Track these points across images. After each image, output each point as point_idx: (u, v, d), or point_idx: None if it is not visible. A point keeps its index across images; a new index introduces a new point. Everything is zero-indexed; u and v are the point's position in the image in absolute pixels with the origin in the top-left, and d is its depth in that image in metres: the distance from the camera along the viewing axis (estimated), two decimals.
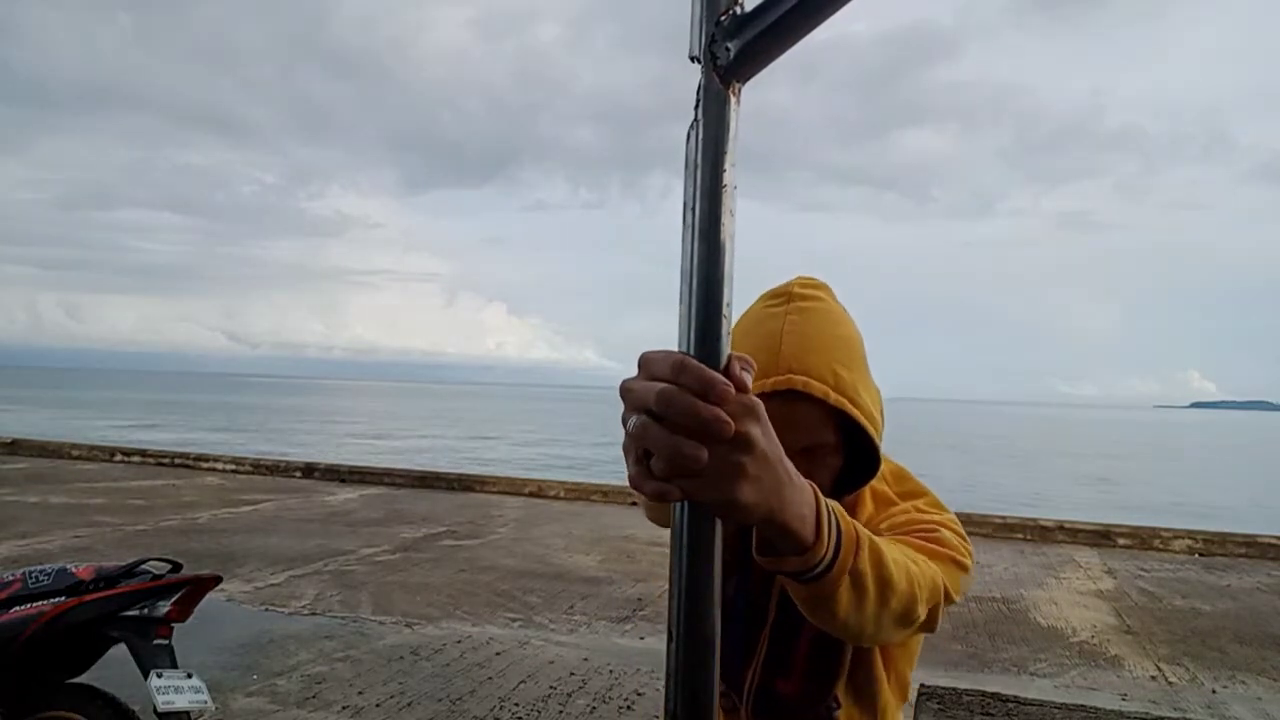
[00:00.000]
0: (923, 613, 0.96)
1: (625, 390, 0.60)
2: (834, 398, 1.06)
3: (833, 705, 1.13)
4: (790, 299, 1.11)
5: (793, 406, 1.05)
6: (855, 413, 1.07)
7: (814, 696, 1.13)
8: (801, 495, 0.72)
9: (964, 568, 1.05)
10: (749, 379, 0.59)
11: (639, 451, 0.59)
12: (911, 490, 1.19)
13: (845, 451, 1.12)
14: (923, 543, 1.04)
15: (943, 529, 1.08)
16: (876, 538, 0.90)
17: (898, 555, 0.93)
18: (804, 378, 1.05)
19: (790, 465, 0.68)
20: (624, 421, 0.60)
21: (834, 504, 0.81)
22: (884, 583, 0.87)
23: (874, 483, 1.17)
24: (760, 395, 1.06)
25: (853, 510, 1.16)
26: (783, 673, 1.14)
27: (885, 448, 1.15)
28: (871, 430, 1.09)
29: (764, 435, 0.61)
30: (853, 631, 0.90)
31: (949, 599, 1.01)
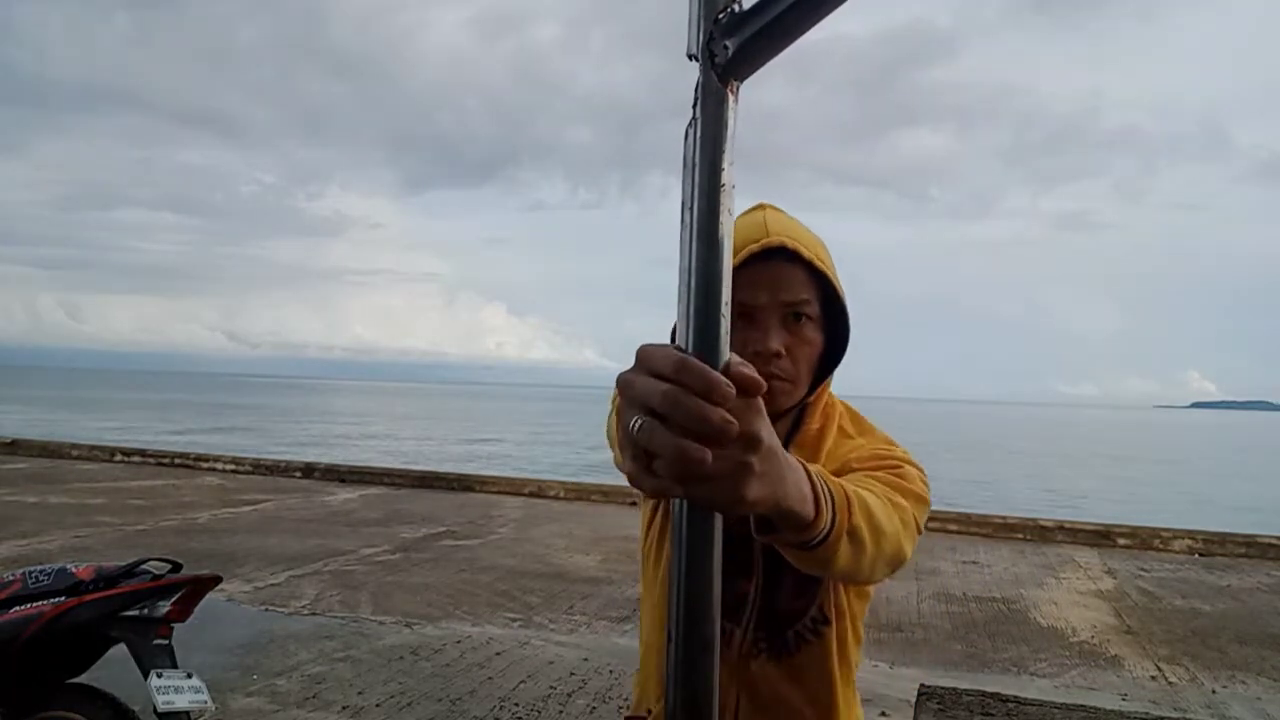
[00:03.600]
0: (909, 550, 1.02)
1: (624, 384, 0.58)
2: (817, 262, 1.15)
3: (819, 619, 1.18)
4: (764, 207, 1.21)
5: (778, 265, 1.14)
6: (834, 278, 1.17)
7: (804, 605, 1.18)
8: (798, 475, 0.74)
9: (926, 502, 1.12)
10: (748, 373, 0.58)
11: (636, 450, 0.57)
12: (866, 429, 1.26)
13: (823, 331, 1.20)
14: (892, 478, 1.10)
15: (905, 465, 1.14)
16: (858, 488, 0.95)
17: (881, 500, 0.99)
18: (791, 239, 1.14)
19: (784, 452, 0.68)
20: (620, 415, 0.59)
21: (819, 468, 0.85)
22: (877, 530, 0.93)
23: (835, 415, 1.25)
24: (747, 259, 1.12)
25: (818, 441, 1.22)
26: (776, 583, 1.18)
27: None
28: (844, 300, 1.18)
29: (767, 430, 0.61)
30: (849, 578, 0.96)
31: (919, 531, 1.08)
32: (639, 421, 0.56)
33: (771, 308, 1.14)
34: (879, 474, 1.10)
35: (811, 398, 1.21)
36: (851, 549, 0.89)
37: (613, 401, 0.98)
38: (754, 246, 1.13)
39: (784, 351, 1.14)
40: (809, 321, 1.16)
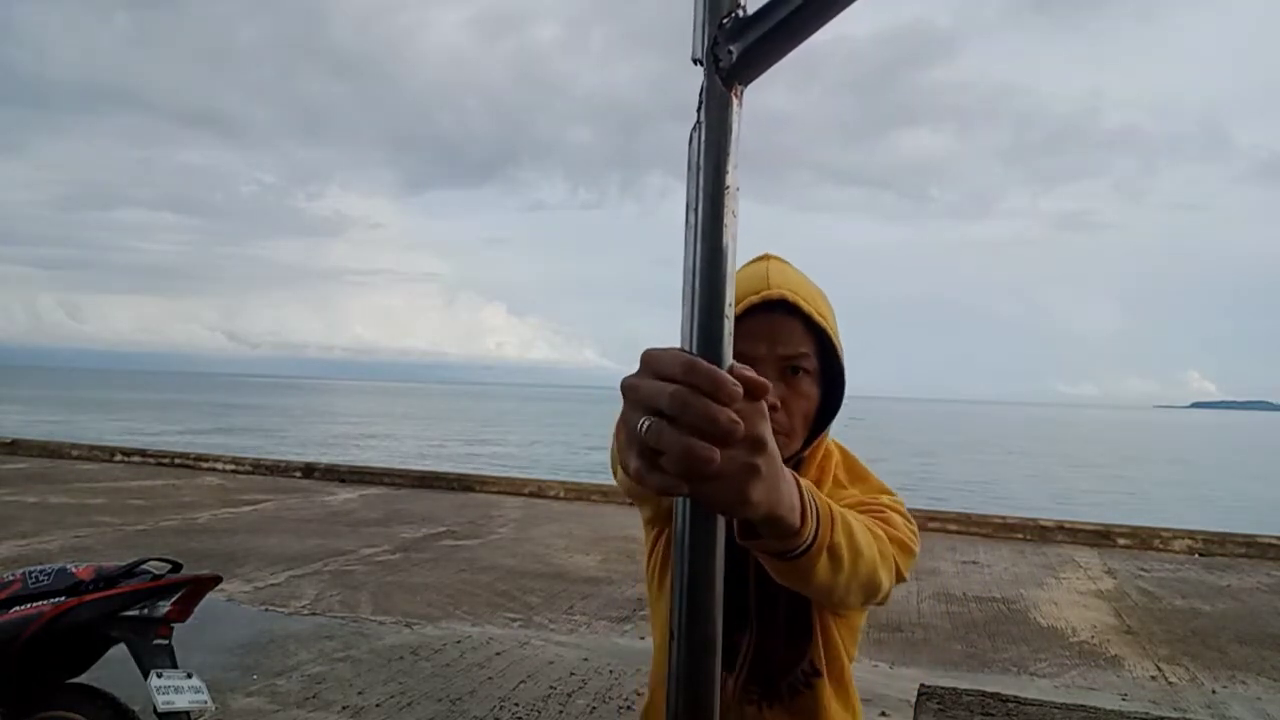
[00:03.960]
0: (885, 582, 1.04)
1: (629, 388, 0.59)
2: (816, 317, 1.16)
3: (809, 670, 1.20)
4: (769, 257, 1.23)
5: (777, 318, 1.15)
6: (834, 333, 1.18)
7: (794, 658, 1.19)
8: (791, 484, 0.75)
9: (911, 551, 1.13)
10: (754, 375, 0.59)
11: (643, 447, 0.58)
12: (860, 476, 1.27)
13: (819, 385, 1.20)
14: (877, 522, 1.11)
15: (891, 512, 1.15)
16: (843, 509, 0.97)
17: (863, 526, 1.00)
18: (791, 292, 1.16)
19: (780, 459, 0.69)
20: (625, 420, 0.60)
21: (806, 482, 0.86)
22: (855, 552, 0.94)
23: (831, 467, 1.26)
24: (747, 310, 1.13)
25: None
26: (770, 635, 1.19)
27: (866, 449, 1.20)
28: (842, 358, 1.20)
29: (770, 434, 0.62)
30: (824, 596, 0.97)
31: (900, 577, 1.09)
32: (646, 422, 0.57)
33: (769, 360, 1.15)
34: (863, 518, 1.12)
35: (807, 451, 1.21)
36: (830, 565, 0.90)
37: (618, 424, 0.99)
38: (754, 298, 1.14)
39: (779, 404, 1.15)
40: (806, 375, 1.17)
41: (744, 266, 1.21)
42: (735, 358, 1.13)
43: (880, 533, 1.07)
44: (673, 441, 0.56)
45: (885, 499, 1.20)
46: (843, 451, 1.28)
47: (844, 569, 0.93)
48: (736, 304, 1.09)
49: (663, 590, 1.26)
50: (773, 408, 1.13)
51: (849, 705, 1.24)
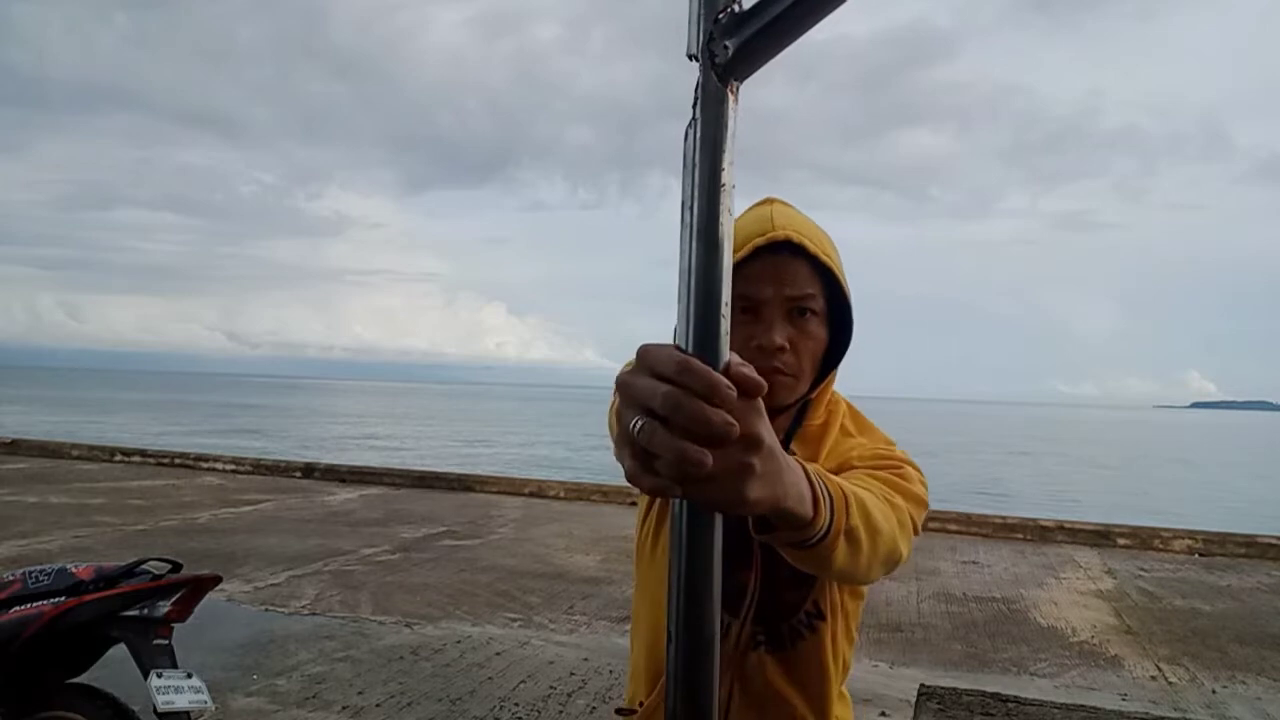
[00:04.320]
0: (905, 551, 1.03)
1: (624, 385, 0.58)
2: (822, 256, 1.15)
3: (814, 614, 1.18)
4: (772, 201, 1.21)
5: (783, 259, 1.14)
6: (840, 274, 1.17)
7: (798, 600, 1.18)
8: (797, 475, 0.74)
9: (925, 504, 1.14)
10: (749, 374, 0.58)
11: (635, 448, 0.57)
12: (867, 428, 1.26)
13: (827, 327, 1.20)
14: (892, 478, 1.11)
15: (905, 465, 1.15)
16: (856, 487, 0.96)
17: (878, 500, 0.99)
18: (796, 233, 1.14)
19: (783, 452, 0.68)
20: (619, 416, 0.59)
21: (816, 467, 0.85)
22: (874, 531, 0.93)
23: (839, 412, 1.26)
24: (752, 252, 1.12)
25: (820, 437, 1.23)
26: (775, 575, 1.17)
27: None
28: (849, 297, 1.19)
29: (767, 431, 0.61)
30: (846, 577, 0.97)
31: (916, 532, 1.10)
32: (639, 422, 0.56)
33: (776, 302, 1.14)
34: (879, 474, 1.11)
35: (815, 393, 1.21)
36: (849, 548, 0.89)
37: (614, 396, 0.98)
38: (759, 240, 1.13)
39: (788, 346, 1.14)
40: (813, 316, 1.16)
41: (746, 211, 1.20)
42: (740, 300, 1.12)
43: (898, 501, 1.06)
44: (665, 444, 0.55)
45: (898, 452, 1.19)
46: (848, 403, 1.29)
47: (863, 549, 0.92)
48: (740, 246, 1.09)
49: (653, 558, 1.25)
50: (780, 349, 1.13)
51: (845, 660, 1.24)
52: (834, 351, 1.21)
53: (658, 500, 1.25)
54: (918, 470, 1.16)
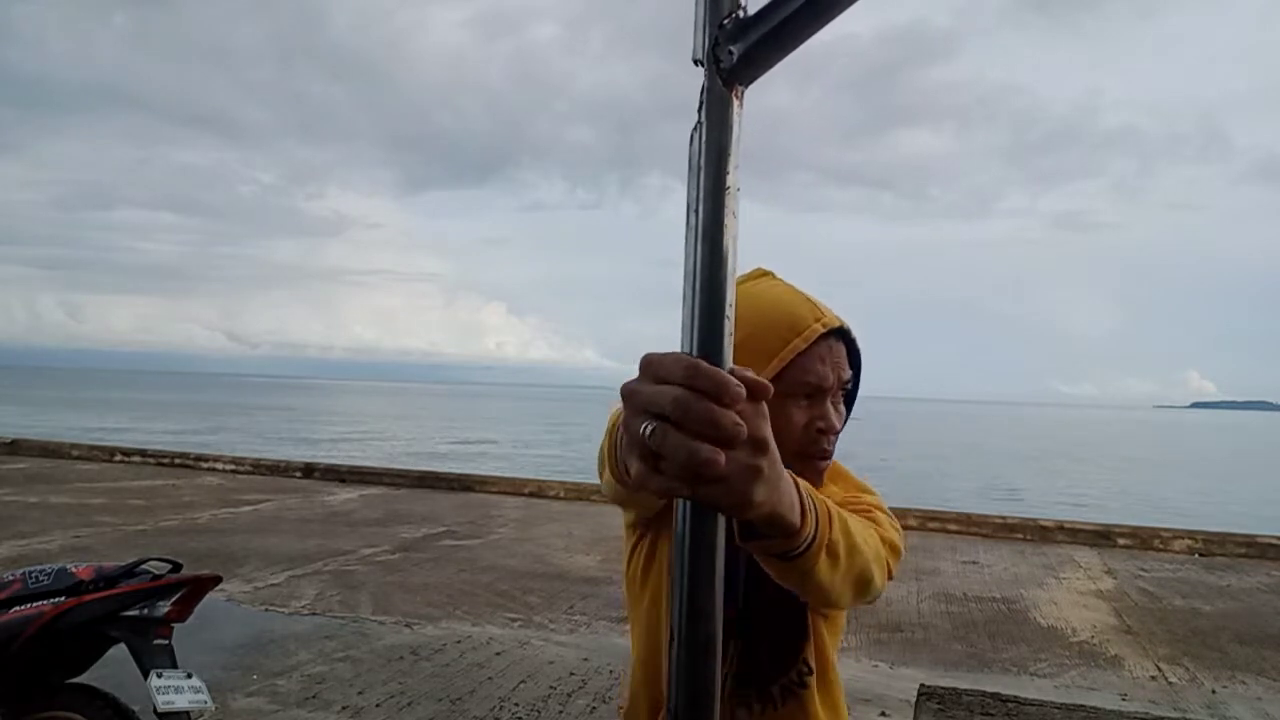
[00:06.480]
0: (879, 579, 1.04)
1: (630, 393, 0.59)
2: (858, 344, 1.23)
3: (803, 670, 1.20)
4: (769, 273, 1.26)
5: (836, 345, 1.20)
6: (858, 362, 1.23)
7: (788, 660, 1.19)
8: (789, 483, 0.75)
9: (899, 551, 1.15)
10: (755, 376, 0.59)
11: (644, 451, 0.58)
12: (839, 473, 1.29)
13: None
14: (866, 520, 1.12)
15: (877, 511, 1.17)
16: (839, 506, 0.97)
17: (859, 523, 1.01)
18: (842, 321, 1.20)
19: (780, 459, 0.69)
20: (627, 425, 0.59)
21: (803, 481, 0.86)
22: (853, 548, 0.95)
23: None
24: (823, 334, 1.16)
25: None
26: (759, 639, 1.19)
27: (867, 449, 1.20)
28: (860, 376, 1.25)
29: (771, 435, 0.62)
30: (822, 596, 0.96)
31: (890, 575, 1.11)
32: (649, 426, 0.57)
33: (835, 388, 1.20)
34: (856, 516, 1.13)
35: None
36: (829, 563, 0.91)
37: (609, 425, 1.00)
38: (819, 326, 1.17)
39: (838, 430, 1.20)
40: (844, 394, 1.24)
41: (756, 282, 1.24)
42: (804, 386, 1.15)
43: (874, 530, 1.08)
44: (677, 445, 0.56)
45: (868, 498, 1.22)
46: None
47: (841, 566, 0.93)
48: (794, 328, 1.14)
49: (644, 595, 1.26)
50: (836, 434, 1.19)
51: (837, 704, 1.25)
52: None
53: (645, 536, 1.26)
54: (889, 515, 1.19)
